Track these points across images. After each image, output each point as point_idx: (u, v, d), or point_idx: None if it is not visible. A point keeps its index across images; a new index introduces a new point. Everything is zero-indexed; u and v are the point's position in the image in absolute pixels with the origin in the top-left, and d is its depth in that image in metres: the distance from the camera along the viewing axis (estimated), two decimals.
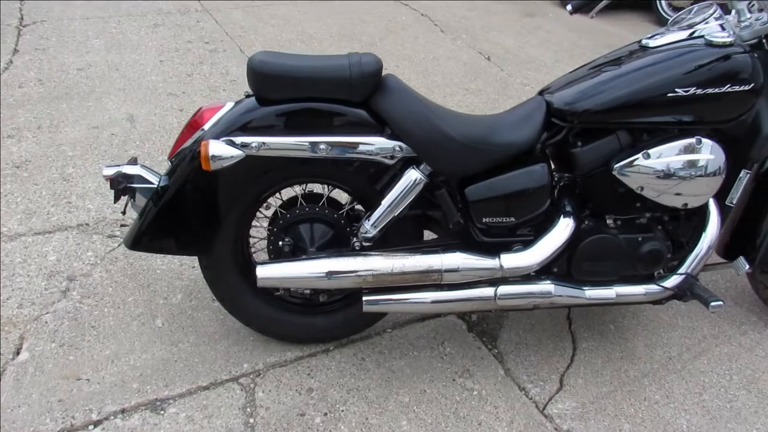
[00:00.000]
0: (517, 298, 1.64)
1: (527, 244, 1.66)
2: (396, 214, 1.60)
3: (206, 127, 1.57)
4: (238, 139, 1.52)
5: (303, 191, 1.77)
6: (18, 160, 2.67)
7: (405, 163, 1.60)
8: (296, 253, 1.69)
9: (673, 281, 1.71)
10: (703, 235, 1.71)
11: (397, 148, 1.57)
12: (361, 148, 1.56)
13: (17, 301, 1.97)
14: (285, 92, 1.53)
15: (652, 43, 1.68)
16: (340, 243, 1.71)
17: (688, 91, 1.55)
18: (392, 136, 1.57)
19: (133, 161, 1.68)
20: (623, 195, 1.68)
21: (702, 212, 1.73)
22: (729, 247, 1.88)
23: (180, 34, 4.23)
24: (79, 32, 4.09)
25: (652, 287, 1.72)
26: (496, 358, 1.89)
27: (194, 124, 1.61)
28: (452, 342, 1.93)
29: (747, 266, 1.74)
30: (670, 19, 1.77)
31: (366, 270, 1.58)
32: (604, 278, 1.71)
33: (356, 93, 1.54)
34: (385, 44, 4.37)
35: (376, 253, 1.61)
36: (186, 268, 2.14)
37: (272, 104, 1.54)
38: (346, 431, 1.62)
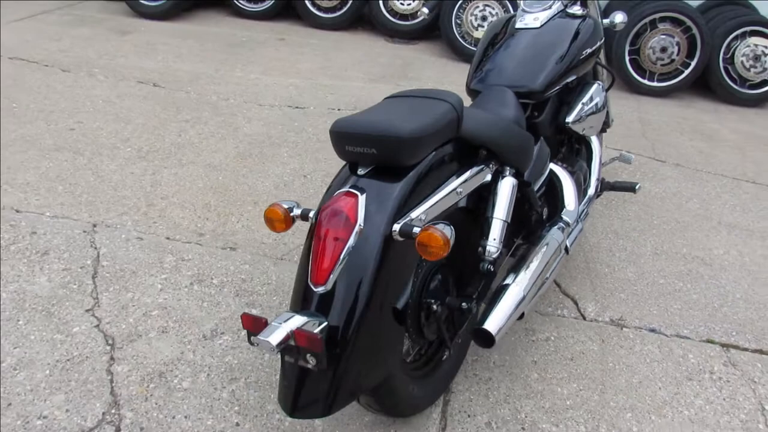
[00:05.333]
0: (576, 240, 1.99)
1: (548, 201, 2.00)
2: (509, 223, 1.68)
3: (361, 222, 1.29)
4: (411, 218, 1.33)
5: None
6: None
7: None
8: (441, 308, 1.57)
9: (595, 186, 2.34)
10: (594, 148, 2.37)
11: (491, 164, 1.64)
12: (478, 176, 1.57)
13: None
14: (421, 152, 1.39)
15: (528, 24, 2.13)
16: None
17: (587, 51, 2.10)
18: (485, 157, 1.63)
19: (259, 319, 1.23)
20: (564, 140, 2.17)
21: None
22: None
23: None
24: None
25: (590, 194, 2.31)
26: None
27: (337, 228, 1.28)
28: None
29: (632, 156, 2.51)
30: (521, 5, 2.24)
31: (540, 273, 1.65)
32: None
33: (460, 128, 1.52)
34: (23, 102, 3.43)
35: (525, 258, 1.68)
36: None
37: (405, 170, 1.37)
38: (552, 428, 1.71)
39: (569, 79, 2.07)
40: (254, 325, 1.21)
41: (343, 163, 1.44)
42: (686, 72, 4.48)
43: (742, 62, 4.45)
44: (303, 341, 1.17)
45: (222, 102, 3.72)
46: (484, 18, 4.90)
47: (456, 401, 1.77)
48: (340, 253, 1.26)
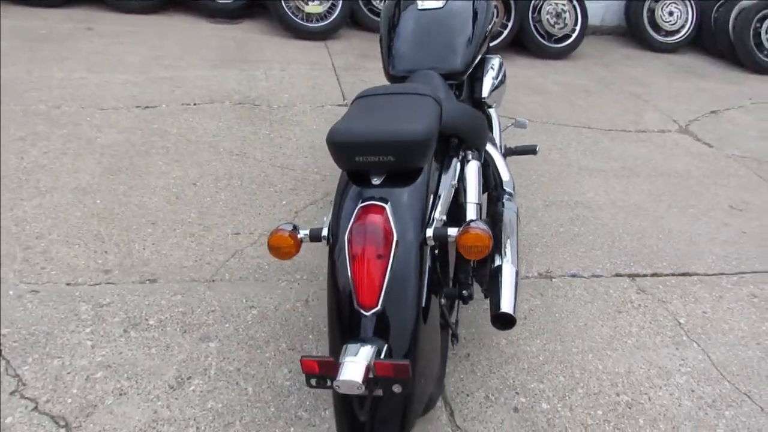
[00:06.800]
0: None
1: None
2: (480, 204, 1.73)
3: (396, 234, 1.25)
4: (434, 221, 1.32)
5: None
6: None
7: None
8: (444, 299, 1.59)
9: (501, 150, 2.49)
10: (494, 118, 2.51)
11: (460, 151, 1.67)
12: (456, 165, 1.59)
13: None
14: (432, 152, 1.37)
15: (430, 6, 2.16)
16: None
17: (488, 28, 2.20)
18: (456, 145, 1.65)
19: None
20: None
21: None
22: None
23: None
24: None
25: None
26: None
27: (377, 245, 1.23)
28: None
29: (526, 120, 2.68)
30: None
31: (517, 245, 1.72)
32: None
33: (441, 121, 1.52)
34: None
35: (499, 236, 1.74)
36: None
37: (415, 173, 1.35)
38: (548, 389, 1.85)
39: (479, 57, 2.17)
40: (324, 368, 1.12)
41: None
42: (505, 32, 4.91)
43: (547, 20, 5.00)
44: (388, 371, 1.11)
45: (55, 111, 3.18)
46: None
47: (450, 384, 1.83)
48: (385, 270, 1.22)
